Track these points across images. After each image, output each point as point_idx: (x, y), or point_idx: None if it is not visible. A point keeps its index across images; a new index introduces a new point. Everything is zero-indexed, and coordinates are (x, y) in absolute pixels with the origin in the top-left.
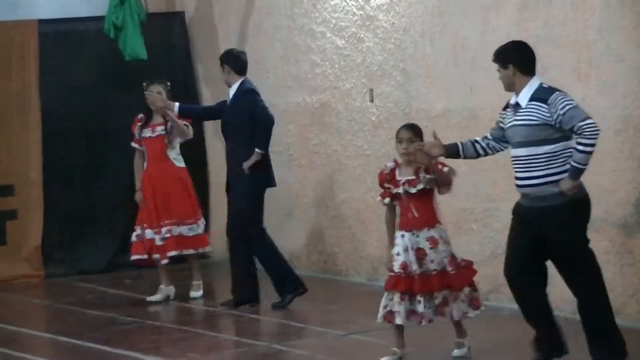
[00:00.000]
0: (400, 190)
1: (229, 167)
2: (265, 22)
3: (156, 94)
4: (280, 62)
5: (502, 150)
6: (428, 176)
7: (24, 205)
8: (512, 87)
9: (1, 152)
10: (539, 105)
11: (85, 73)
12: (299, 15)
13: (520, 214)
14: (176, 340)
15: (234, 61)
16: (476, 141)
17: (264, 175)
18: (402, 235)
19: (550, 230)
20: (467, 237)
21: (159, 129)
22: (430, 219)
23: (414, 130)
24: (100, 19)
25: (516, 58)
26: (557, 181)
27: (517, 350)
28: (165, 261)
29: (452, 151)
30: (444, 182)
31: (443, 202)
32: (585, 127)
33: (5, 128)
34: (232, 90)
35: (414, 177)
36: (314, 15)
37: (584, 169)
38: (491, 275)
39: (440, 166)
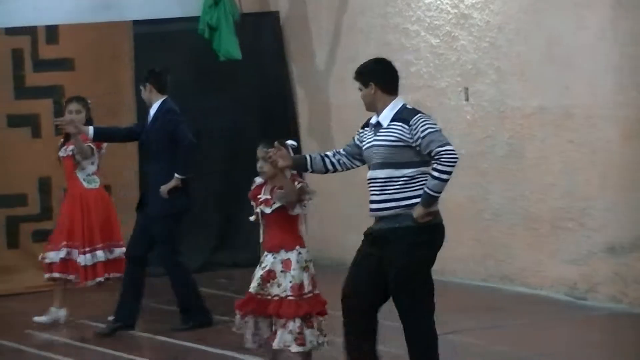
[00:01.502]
0: (258, 210)
1: (148, 188)
2: (358, 21)
3: (75, 112)
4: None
5: (353, 167)
6: (279, 191)
7: (120, 205)
8: (373, 106)
9: None
10: (400, 126)
11: (179, 73)
12: (393, 14)
13: (373, 238)
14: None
15: (156, 79)
16: (326, 156)
17: (182, 198)
18: (266, 255)
19: (395, 256)
20: (564, 236)
21: (70, 149)
22: (287, 241)
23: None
24: (193, 19)
25: (378, 76)
26: (412, 205)
27: (613, 348)
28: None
29: (300, 164)
30: (290, 197)
31: (540, 201)
32: (443, 153)
33: None
34: (153, 110)
35: (269, 197)
36: (408, 14)
37: (438, 196)
38: (587, 274)
39: (292, 180)
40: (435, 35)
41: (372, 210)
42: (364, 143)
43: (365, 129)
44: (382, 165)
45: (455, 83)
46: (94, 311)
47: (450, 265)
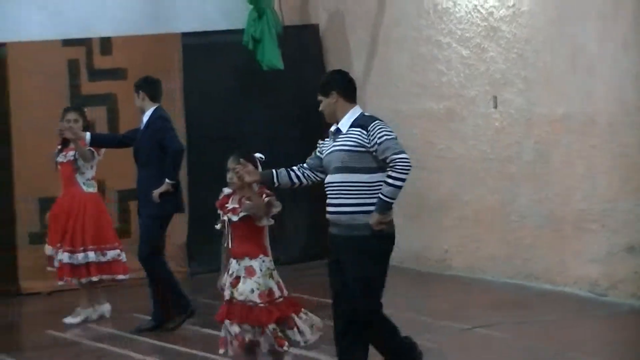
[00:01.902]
0: (225, 218)
1: (138, 192)
2: (393, 33)
3: (73, 121)
4: (407, 71)
5: (317, 180)
6: (247, 202)
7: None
8: (333, 115)
9: None
10: (359, 131)
11: (225, 82)
12: (425, 27)
13: (330, 242)
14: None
15: (149, 87)
16: (292, 170)
17: (172, 201)
18: (231, 262)
19: (350, 262)
20: (587, 237)
21: (70, 154)
22: (251, 249)
23: (243, 159)
24: (238, 31)
25: (339, 86)
26: (368, 212)
27: (635, 343)
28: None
29: (267, 178)
30: (257, 210)
31: (564, 203)
32: (397, 160)
33: None
34: (146, 117)
35: (237, 206)
36: (440, 27)
37: (392, 202)
38: (609, 273)
39: (260, 193)
40: (465, 46)
41: (328, 213)
42: (324, 152)
43: (326, 139)
44: (340, 170)
45: (484, 92)
46: (140, 304)
47: (479, 263)
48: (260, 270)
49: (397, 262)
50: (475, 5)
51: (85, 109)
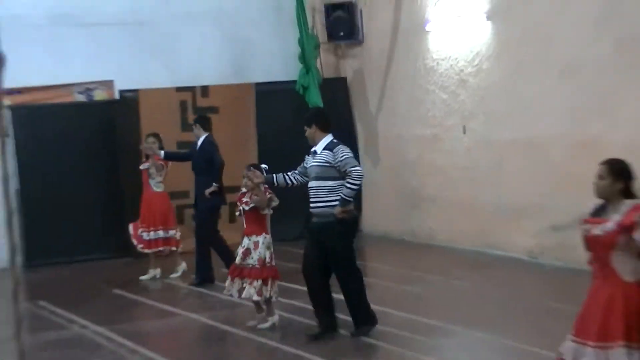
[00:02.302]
0: (241, 208)
1: (196, 191)
2: (396, 83)
3: (151, 143)
4: (406, 108)
5: (303, 181)
6: (255, 197)
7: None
8: (313, 140)
9: (233, 166)
10: (328, 153)
11: (284, 116)
12: (418, 79)
13: (311, 228)
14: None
15: (203, 121)
16: (287, 174)
17: (219, 198)
18: (243, 238)
19: (326, 239)
20: (526, 220)
21: (145, 165)
22: (257, 229)
23: (255, 169)
24: (292, 82)
25: (317, 121)
26: (334, 206)
27: (557, 290)
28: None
29: (269, 181)
30: (262, 203)
31: (510, 198)
32: (353, 172)
33: (231, 157)
34: (200, 141)
35: (249, 200)
36: (428, 79)
37: (350, 200)
38: (540, 244)
39: (264, 191)
40: (445, 92)
41: (310, 208)
42: (307, 165)
43: (308, 156)
44: (316, 179)
45: (457, 123)
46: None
47: (455, 237)
48: (262, 244)
49: (398, 236)
50: (451, 65)
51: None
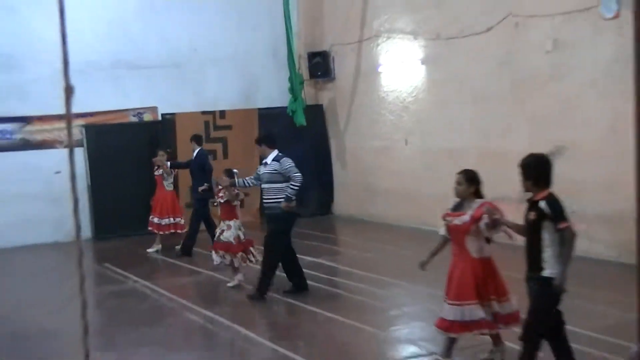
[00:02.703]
0: (218, 200)
1: (192, 189)
2: (359, 109)
3: (160, 156)
4: (366, 127)
5: (257, 185)
6: (226, 193)
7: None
8: (264, 155)
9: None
10: (276, 163)
11: (280, 133)
12: (374, 106)
13: (266, 217)
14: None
15: (197, 139)
16: (246, 179)
17: (208, 193)
18: (220, 222)
19: (269, 223)
20: (451, 203)
21: (159, 171)
22: (230, 216)
23: (229, 174)
24: (285, 107)
25: (265, 141)
26: (280, 201)
27: None
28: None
29: (232, 183)
30: (231, 198)
31: (440, 188)
32: (295, 177)
33: (240, 162)
34: (194, 154)
35: (223, 195)
36: (381, 106)
37: (293, 198)
38: None
39: (233, 189)
40: (392, 115)
41: (264, 203)
42: (260, 172)
43: (260, 166)
44: (268, 182)
45: (401, 137)
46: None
47: (404, 218)
48: (234, 227)
49: (360, 217)
50: (397, 96)
51: (169, 149)
